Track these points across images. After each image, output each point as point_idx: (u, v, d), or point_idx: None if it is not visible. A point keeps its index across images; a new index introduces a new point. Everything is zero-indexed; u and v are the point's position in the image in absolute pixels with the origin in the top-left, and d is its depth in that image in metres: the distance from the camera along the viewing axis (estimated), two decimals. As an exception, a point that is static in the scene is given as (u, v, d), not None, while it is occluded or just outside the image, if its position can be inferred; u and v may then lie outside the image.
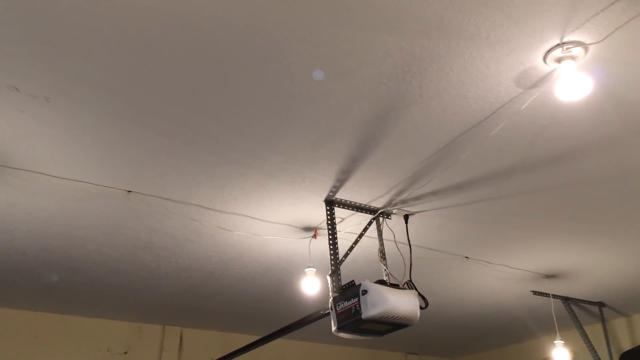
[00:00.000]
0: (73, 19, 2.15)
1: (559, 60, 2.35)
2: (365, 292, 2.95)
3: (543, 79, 2.49)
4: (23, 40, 2.25)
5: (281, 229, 3.97)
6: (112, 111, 2.70)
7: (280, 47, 2.31)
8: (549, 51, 2.33)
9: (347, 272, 3.66)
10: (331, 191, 3.46)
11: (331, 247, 3.44)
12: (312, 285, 4.02)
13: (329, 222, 3.50)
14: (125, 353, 5.79)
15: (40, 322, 5.49)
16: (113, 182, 3.34)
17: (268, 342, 4.57)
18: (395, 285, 3.12)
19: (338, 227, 3.63)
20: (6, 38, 2.24)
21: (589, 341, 5.45)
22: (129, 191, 3.43)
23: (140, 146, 2.99)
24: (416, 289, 3.21)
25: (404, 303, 2.99)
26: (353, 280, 3.10)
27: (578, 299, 5.43)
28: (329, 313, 3.31)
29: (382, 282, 3.13)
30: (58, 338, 5.53)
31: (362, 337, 3.26)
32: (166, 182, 3.34)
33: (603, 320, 5.68)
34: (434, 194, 3.48)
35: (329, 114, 2.75)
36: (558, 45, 2.29)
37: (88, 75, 2.46)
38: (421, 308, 3.14)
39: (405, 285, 3.24)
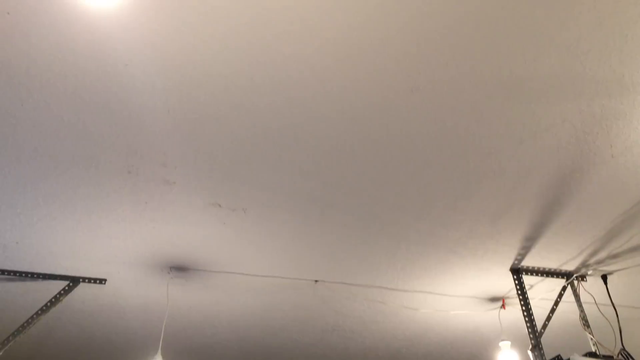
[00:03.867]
0: (261, 136, 2.42)
1: None
2: (576, 367, 2.73)
3: None
4: (223, 163, 2.57)
5: (466, 302, 3.87)
6: (299, 211, 2.92)
7: (453, 130, 2.37)
8: None
9: (542, 341, 3.42)
10: (516, 259, 3.33)
11: (526, 318, 3.25)
12: (509, 360, 3.81)
13: (519, 292, 3.34)
14: None
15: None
16: (301, 274, 3.55)
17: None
18: (608, 358, 2.84)
19: (528, 295, 3.45)
20: (209, 165, 2.57)
21: None
22: (316, 280, 3.61)
23: (324, 239, 3.17)
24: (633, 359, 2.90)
25: (624, 378, 2.70)
26: (559, 355, 2.89)
27: None
28: (534, 390, 3.09)
29: (592, 354, 2.88)
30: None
31: (578, 416, 2.98)
32: (349, 268, 3.47)
33: None
34: (634, 249, 3.18)
35: (506, 185, 2.70)
36: None
37: (277, 183, 2.71)
38: (645, 381, 2.81)
39: (620, 356, 2.93)
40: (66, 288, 3.37)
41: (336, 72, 2.11)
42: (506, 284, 3.61)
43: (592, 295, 3.38)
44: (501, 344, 3.84)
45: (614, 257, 3.26)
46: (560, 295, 3.41)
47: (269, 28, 1.93)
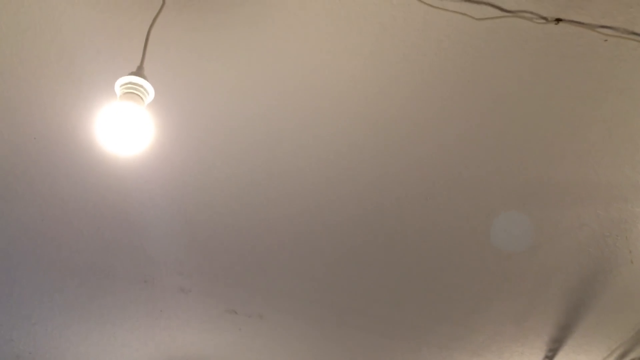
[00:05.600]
0: (276, 244, 2.42)
1: None
2: None
3: None
4: (239, 271, 2.56)
5: (494, 406, 3.68)
6: (315, 317, 2.86)
7: (470, 235, 2.35)
8: None
9: None
10: (544, 361, 3.20)
11: None
12: None
13: (549, 396, 3.18)
14: None
15: None
16: (319, 379, 3.42)
17: None
18: None
19: (559, 399, 3.28)
20: (225, 272, 2.56)
21: None
22: (335, 386, 3.48)
23: (342, 344, 3.08)
24: None
25: None
26: None
27: None
28: None
29: None
30: None
31: None
32: (369, 373, 3.35)
33: None
34: (667, 351, 3.04)
35: (528, 287, 2.64)
36: None
37: (293, 289, 2.68)
38: None
39: None
40: (78, 398, 3.27)
41: (348, 181, 2.13)
42: (535, 387, 3.44)
43: (627, 399, 3.20)
44: None
45: (647, 358, 3.11)
46: (593, 400, 3.23)
47: (282, 143, 1.98)
